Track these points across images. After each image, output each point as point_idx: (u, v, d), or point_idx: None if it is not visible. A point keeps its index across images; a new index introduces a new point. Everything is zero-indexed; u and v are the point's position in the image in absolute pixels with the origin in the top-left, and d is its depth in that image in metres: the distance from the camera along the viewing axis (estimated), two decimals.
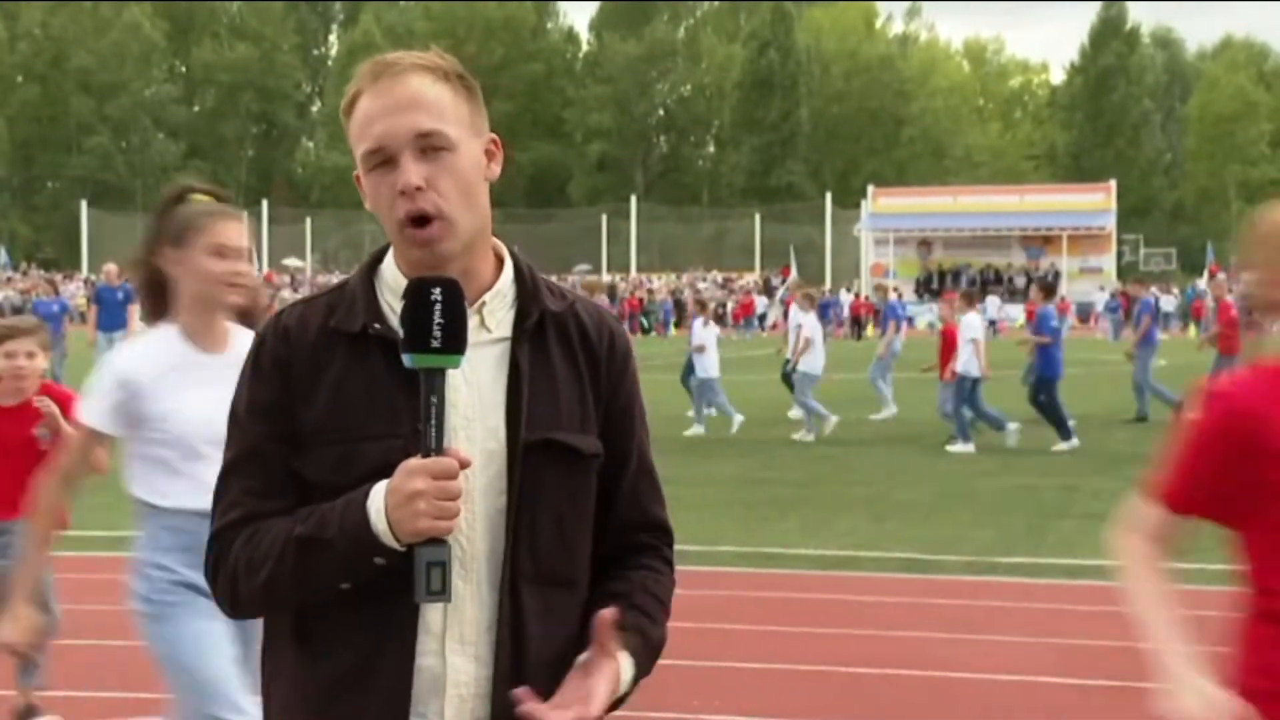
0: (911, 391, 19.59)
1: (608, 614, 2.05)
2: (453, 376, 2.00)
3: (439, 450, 1.96)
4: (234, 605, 2.14)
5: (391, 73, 2.08)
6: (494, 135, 2.18)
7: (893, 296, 19.54)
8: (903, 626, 7.70)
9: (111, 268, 21.83)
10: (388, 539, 1.96)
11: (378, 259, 2.19)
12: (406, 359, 1.97)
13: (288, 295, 58.39)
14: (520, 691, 2.03)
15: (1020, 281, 61.75)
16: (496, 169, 2.17)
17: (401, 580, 1.98)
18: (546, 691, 2.08)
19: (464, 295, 1.98)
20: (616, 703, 2.11)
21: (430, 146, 2.06)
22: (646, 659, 2.16)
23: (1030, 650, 7.18)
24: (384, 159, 2.06)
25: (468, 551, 2.08)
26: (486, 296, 2.14)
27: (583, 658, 2.09)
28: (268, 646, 2.20)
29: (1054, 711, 6.22)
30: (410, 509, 1.93)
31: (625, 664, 2.10)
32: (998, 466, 14.30)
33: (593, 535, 2.21)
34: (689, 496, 11.08)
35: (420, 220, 2.05)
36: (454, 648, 2.07)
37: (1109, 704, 6.33)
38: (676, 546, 2.32)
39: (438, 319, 1.94)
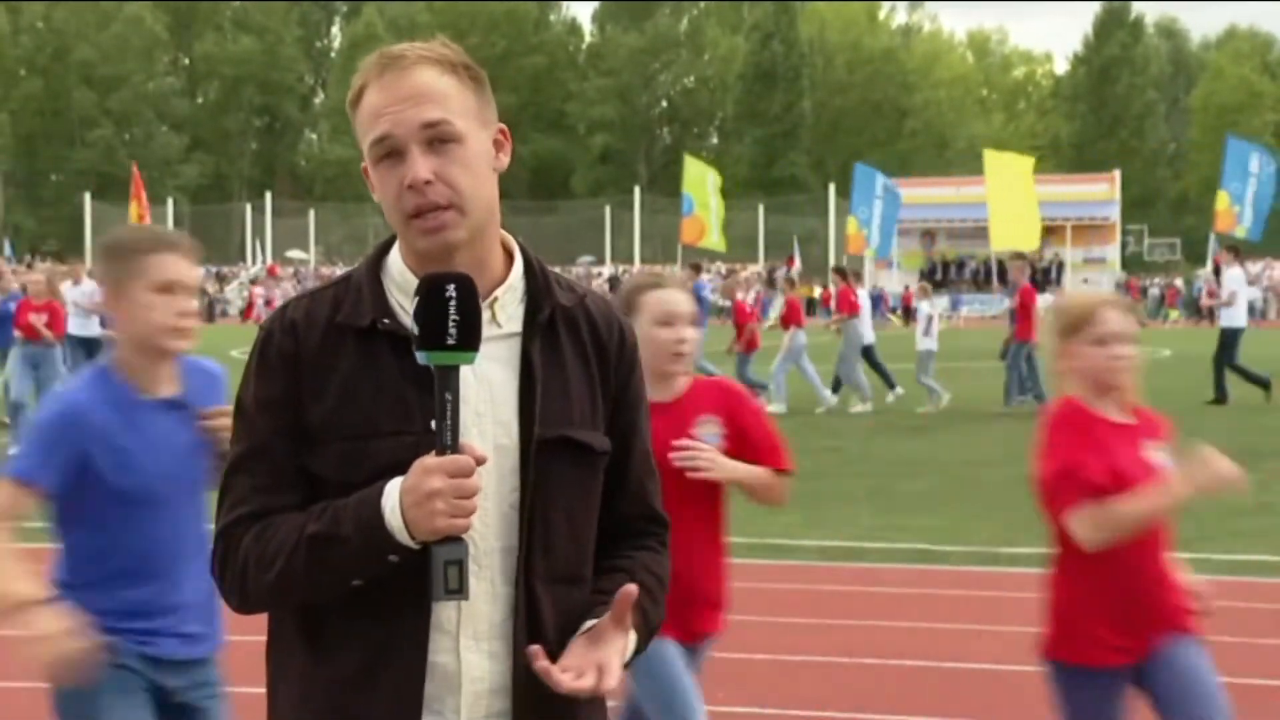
0: (915, 383, 19.59)
1: (631, 589, 2.03)
2: (462, 372, 1.99)
3: (454, 448, 1.94)
4: (242, 601, 2.11)
5: (398, 65, 2.07)
6: (502, 126, 2.17)
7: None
8: (908, 617, 7.71)
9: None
10: (403, 537, 1.95)
11: (383, 251, 2.18)
12: (421, 356, 1.95)
13: (289, 289, 58.34)
14: (534, 649, 2.03)
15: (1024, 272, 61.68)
16: (505, 159, 2.16)
17: (411, 578, 1.97)
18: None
19: (478, 292, 1.96)
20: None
21: (438, 138, 2.05)
22: (645, 638, 2.16)
23: (1036, 640, 7.17)
24: (391, 150, 2.05)
25: (481, 548, 2.06)
26: (498, 291, 2.12)
27: (590, 624, 2.08)
28: (273, 646, 2.18)
29: None
30: (427, 508, 1.92)
31: (630, 641, 2.10)
32: (1002, 456, 14.28)
33: (599, 526, 2.22)
34: None
35: (428, 211, 2.04)
36: (468, 644, 2.06)
37: None
38: None
39: (453, 316, 1.93)
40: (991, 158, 30.77)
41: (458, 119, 2.06)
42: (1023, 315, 18.52)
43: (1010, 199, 28.74)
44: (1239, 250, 20.66)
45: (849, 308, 19.46)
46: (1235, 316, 18.53)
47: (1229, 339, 18.49)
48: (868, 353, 19.77)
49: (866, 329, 19.75)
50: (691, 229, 33.18)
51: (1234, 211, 29.36)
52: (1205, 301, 18.39)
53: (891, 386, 19.59)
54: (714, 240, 33.35)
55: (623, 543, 2.23)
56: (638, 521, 2.26)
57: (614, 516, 2.22)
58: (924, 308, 20.29)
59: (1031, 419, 17.64)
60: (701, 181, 33.82)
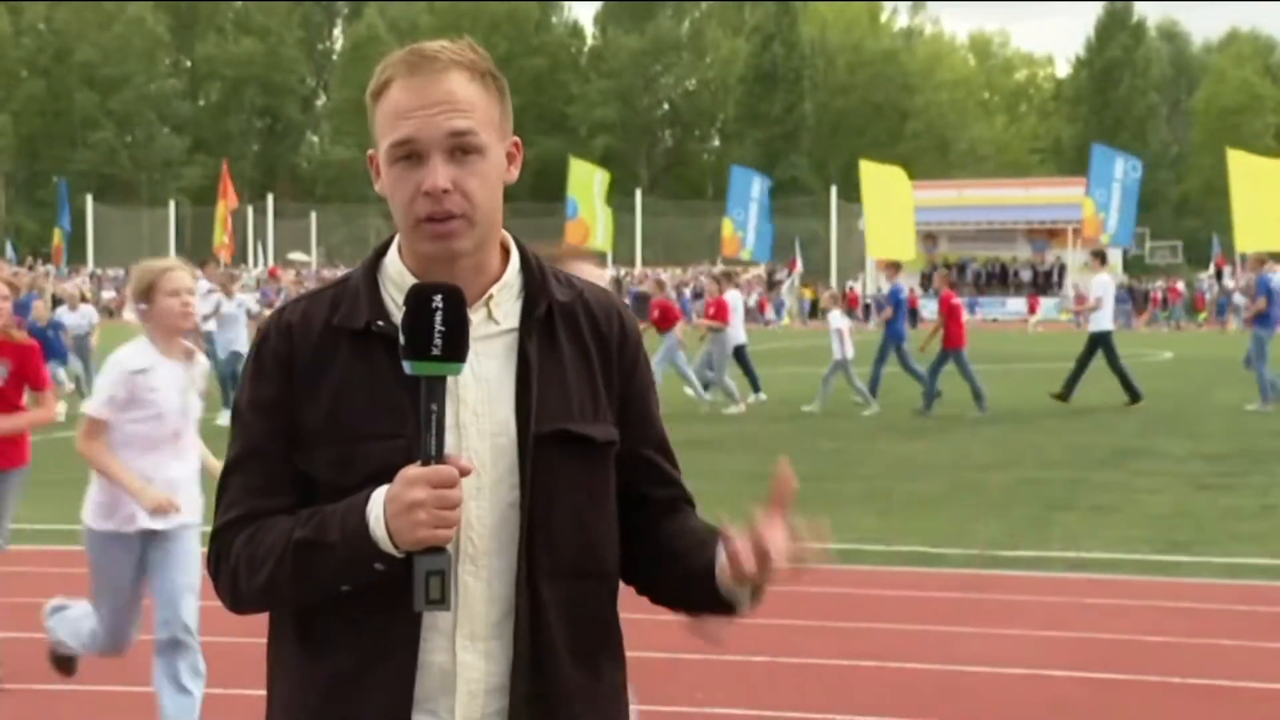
0: (915, 385, 19.58)
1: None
2: (461, 371, 1.98)
3: (439, 458, 1.93)
4: (235, 601, 2.13)
5: (429, 68, 2.05)
6: (516, 138, 2.16)
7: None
8: (908, 620, 7.71)
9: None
10: (387, 546, 1.95)
11: (381, 253, 2.17)
12: (407, 366, 1.95)
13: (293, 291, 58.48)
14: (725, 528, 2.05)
15: (1026, 275, 61.72)
16: (515, 172, 2.15)
17: (403, 580, 1.96)
18: (571, 687, 2.09)
19: (465, 302, 1.96)
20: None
21: (461, 148, 2.03)
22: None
23: (1036, 643, 7.18)
24: (412, 154, 2.04)
25: (479, 547, 2.06)
26: (494, 289, 2.12)
27: (738, 531, 2.05)
28: (271, 644, 2.19)
29: (1059, 704, 6.22)
30: (409, 518, 1.92)
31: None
32: (1002, 459, 14.28)
33: (631, 515, 2.21)
34: (694, 490, 11.03)
35: (440, 217, 2.03)
36: (464, 644, 2.05)
37: (1115, 697, 6.33)
38: None
39: (439, 326, 1.92)
40: (868, 169, 31.02)
41: (482, 131, 2.06)
42: (952, 322, 18.73)
43: (885, 210, 29.01)
44: (1104, 256, 22.12)
45: (720, 314, 19.59)
46: (1102, 320, 19.41)
47: (1099, 342, 19.23)
48: (739, 353, 19.96)
49: (738, 330, 19.98)
50: (576, 231, 33.30)
51: (1099, 219, 29.69)
52: (1074, 307, 19.22)
53: (756, 390, 19.79)
54: (598, 242, 33.39)
55: (667, 521, 2.23)
56: (672, 503, 2.27)
57: (653, 504, 2.21)
58: (834, 319, 19.77)
59: (1032, 421, 17.63)
60: (588, 184, 33.86)
